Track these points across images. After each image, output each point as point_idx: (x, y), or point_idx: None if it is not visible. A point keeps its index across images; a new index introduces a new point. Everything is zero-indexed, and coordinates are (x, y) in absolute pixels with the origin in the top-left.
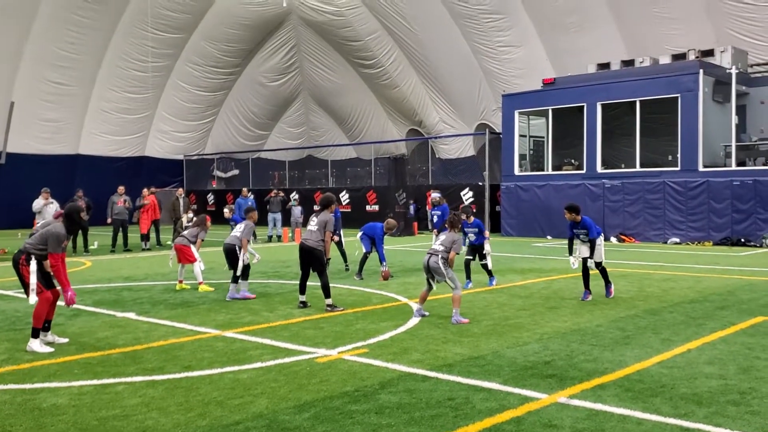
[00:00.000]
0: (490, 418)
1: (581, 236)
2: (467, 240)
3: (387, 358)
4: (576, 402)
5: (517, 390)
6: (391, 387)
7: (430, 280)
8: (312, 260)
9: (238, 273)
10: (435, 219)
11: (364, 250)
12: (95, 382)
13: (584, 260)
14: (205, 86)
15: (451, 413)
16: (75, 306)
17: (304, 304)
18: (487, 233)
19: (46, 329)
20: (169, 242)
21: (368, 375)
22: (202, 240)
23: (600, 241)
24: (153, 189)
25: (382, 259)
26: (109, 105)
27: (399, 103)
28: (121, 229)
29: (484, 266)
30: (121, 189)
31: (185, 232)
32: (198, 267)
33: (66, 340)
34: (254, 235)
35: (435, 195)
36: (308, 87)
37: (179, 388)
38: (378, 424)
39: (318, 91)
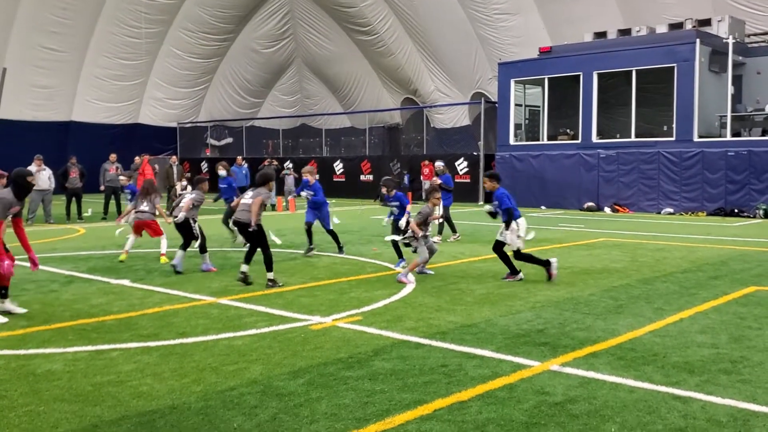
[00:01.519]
0: (483, 384)
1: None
2: (391, 215)
3: (381, 326)
4: (568, 370)
5: (509, 357)
6: (385, 354)
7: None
8: (249, 235)
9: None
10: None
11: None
12: (90, 348)
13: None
14: (199, 53)
15: (444, 380)
16: (69, 273)
17: (243, 276)
18: (409, 208)
19: (4, 296)
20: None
21: (362, 342)
22: (196, 203)
23: (516, 225)
24: (145, 156)
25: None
26: (102, 71)
27: (394, 71)
28: (113, 195)
29: (395, 243)
30: (112, 156)
31: (145, 207)
32: (164, 239)
33: (25, 310)
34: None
35: (438, 164)
36: (302, 54)
37: (174, 355)
38: (371, 390)
39: (312, 59)
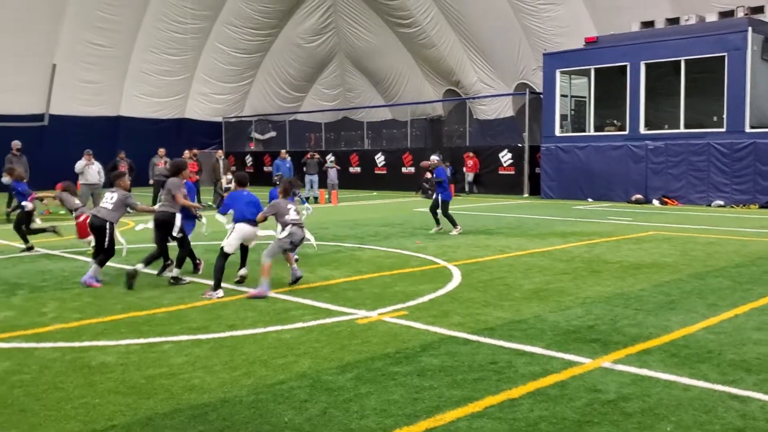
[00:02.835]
0: (534, 381)
1: None
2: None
3: (427, 321)
4: (620, 367)
5: (560, 354)
6: (433, 350)
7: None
8: (169, 230)
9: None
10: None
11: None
12: (142, 340)
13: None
14: (243, 48)
15: (494, 377)
16: (120, 266)
17: (241, 279)
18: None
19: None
20: (210, 203)
21: (409, 337)
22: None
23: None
24: (195, 151)
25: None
26: (149, 67)
27: (436, 63)
28: (162, 189)
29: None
30: (161, 151)
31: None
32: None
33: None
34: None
35: (433, 158)
36: (344, 48)
37: (224, 347)
38: (420, 386)
39: (354, 52)
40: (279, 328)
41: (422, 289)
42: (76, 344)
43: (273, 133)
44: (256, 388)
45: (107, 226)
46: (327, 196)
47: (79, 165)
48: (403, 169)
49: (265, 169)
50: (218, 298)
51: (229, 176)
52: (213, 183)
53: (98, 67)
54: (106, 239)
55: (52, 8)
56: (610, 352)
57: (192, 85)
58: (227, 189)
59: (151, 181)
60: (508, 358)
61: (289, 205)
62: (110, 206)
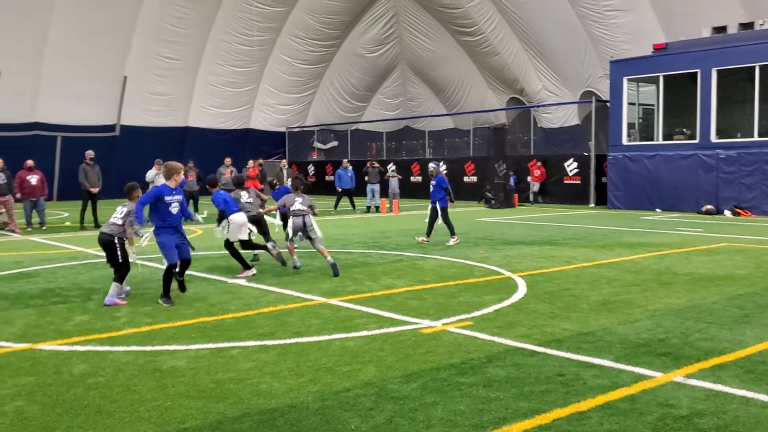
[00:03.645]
0: (603, 395)
1: None
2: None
3: (492, 332)
4: (693, 382)
5: (629, 368)
6: (498, 361)
7: (301, 236)
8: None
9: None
10: (431, 188)
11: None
12: (211, 345)
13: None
14: (307, 59)
15: (562, 389)
16: (189, 272)
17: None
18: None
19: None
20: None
21: (474, 348)
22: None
23: (226, 222)
24: (260, 160)
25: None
26: (216, 79)
27: (499, 71)
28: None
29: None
30: (227, 161)
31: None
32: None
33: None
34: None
35: (431, 165)
36: (406, 57)
37: (290, 354)
38: (487, 398)
39: (416, 61)
40: (343, 335)
41: (487, 300)
42: (148, 348)
43: (335, 143)
44: (323, 395)
45: (115, 241)
46: (388, 206)
47: (150, 174)
48: (465, 179)
49: (327, 178)
50: (252, 275)
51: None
52: None
53: (167, 79)
54: (118, 255)
55: (124, 22)
56: (682, 366)
57: (257, 96)
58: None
59: None
60: (576, 371)
61: (297, 198)
62: (119, 221)
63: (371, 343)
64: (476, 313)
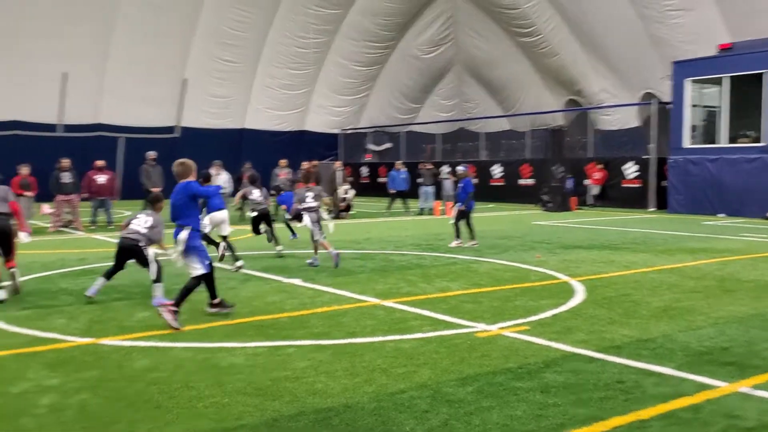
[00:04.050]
0: (664, 404)
1: None
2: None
3: (550, 337)
4: (761, 393)
5: (692, 376)
6: (556, 366)
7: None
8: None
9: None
10: (458, 190)
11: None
12: (267, 343)
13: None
14: (362, 61)
15: (622, 396)
16: (245, 271)
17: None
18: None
19: None
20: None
21: (531, 353)
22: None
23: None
24: (314, 162)
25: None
26: (272, 81)
27: (557, 72)
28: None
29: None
30: (282, 162)
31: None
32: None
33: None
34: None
35: (459, 168)
36: (462, 58)
37: (345, 354)
38: (544, 403)
39: (472, 62)
40: (398, 337)
41: (544, 305)
42: (207, 345)
43: (389, 144)
44: (378, 396)
45: (141, 245)
46: (442, 208)
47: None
48: (521, 181)
49: (380, 180)
50: (240, 266)
51: (346, 186)
52: (330, 193)
53: (226, 82)
54: (146, 258)
55: (185, 26)
56: (748, 377)
57: (312, 98)
58: (344, 199)
59: (272, 191)
60: (636, 378)
61: (308, 193)
62: (144, 230)
63: (426, 346)
64: (533, 318)
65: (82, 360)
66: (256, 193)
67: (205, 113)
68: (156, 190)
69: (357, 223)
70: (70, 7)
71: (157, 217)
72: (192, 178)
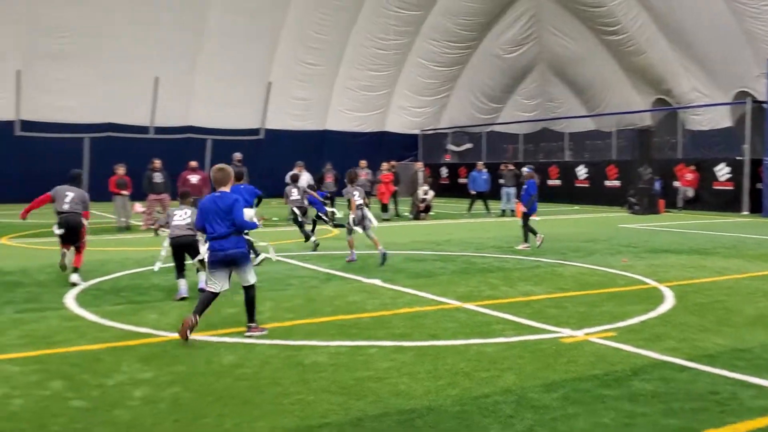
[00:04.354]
0: (764, 417)
1: None
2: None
3: (638, 344)
4: None
5: None
6: (645, 374)
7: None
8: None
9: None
10: (522, 192)
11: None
12: (349, 343)
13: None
14: (442, 61)
15: (716, 408)
16: (327, 270)
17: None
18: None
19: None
20: (406, 213)
21: (618, 360)
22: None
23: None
24: (393, 162)
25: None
26: (353, 83)
27: (645, 71)
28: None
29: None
30: (363, 163)
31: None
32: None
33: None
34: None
35: (524, 170)
36: (546, 57)
37: (427, 356)
38: (632, 412)
39: (556, 61)
40: (481, 341)
41: (631, 310)
42: (291, 342)
43: (469, 145)
44: (461, 399)
45: (197, 242)
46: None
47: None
48: (607, 183)
49: (460, 180)
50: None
51: (426, 187)
52: (410, 194)
53: (308, 84)
54: (200, 251)
55: (270, 30)
56: None
57: (392, 100)
58: (423, 200)
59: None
60: (732, 389)
61: (355, 192)
62: (187, 221)
63: (510, 350)
64: (620, 324)
65: (173, 354)
66: (294, 194)
67: (288, 115)
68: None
69: (437, 224)
70: (165, 13)
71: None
72: (230, 186)
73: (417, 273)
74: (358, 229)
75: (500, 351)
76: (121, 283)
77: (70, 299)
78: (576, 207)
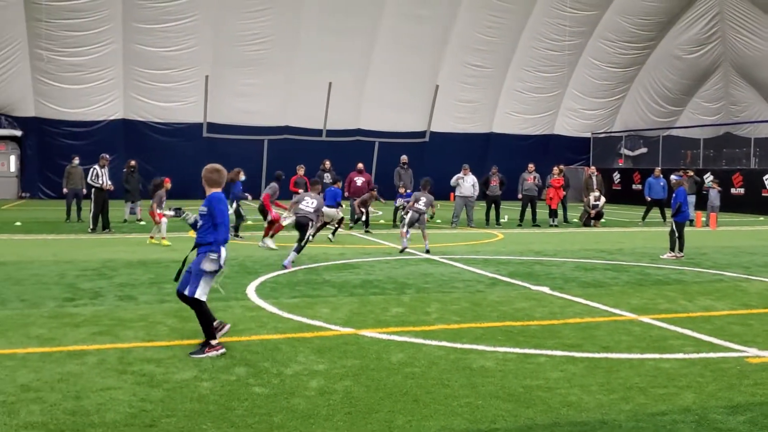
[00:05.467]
0: None
1: None
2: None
3: None
4: None
5: None
6: None
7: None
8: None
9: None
10: (672, 200)
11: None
12: (517, 350)
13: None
14: (617, 62)
15: None
16: (492, 275)
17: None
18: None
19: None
20: (575, 219)
21: None
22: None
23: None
24: (561, 167)
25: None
26: (522, 85)
27: None
28: (529, 204)
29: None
30: (531, 166)
31: (307, 207)
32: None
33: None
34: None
35: (673, 177)
36: (730, 57)
37: (599, 368)
38: None
39: (742, 62)
40: (657, 356)
41: None
42: (458, 345)
43: (644, 150)
44: (636, 415)
45: (310, 223)
46: (704, 219)
47: (455, 178)
48: None
49: (634, 186)
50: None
51: (596, 192)
52: (579, 199)
53: (475, 87)
54: (309, 232)
55: (439, 34)
56: None
57: (562, 101)
58: (595, 206)
59: (519, 195)
60: None
61: (422, 198)
62: (311, 209)
63: (689, 368)
64: None
65: (345, 348)
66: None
67: (453, 118)
68: (402, 190)
69: (608, 231)
70: (336, 23)
71: (320, 200)
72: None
73: (587, 282)
74: (409, 229)
75: (679, 368)
76: (297, 277)
77: (251, 291)
78: (762, 218)
